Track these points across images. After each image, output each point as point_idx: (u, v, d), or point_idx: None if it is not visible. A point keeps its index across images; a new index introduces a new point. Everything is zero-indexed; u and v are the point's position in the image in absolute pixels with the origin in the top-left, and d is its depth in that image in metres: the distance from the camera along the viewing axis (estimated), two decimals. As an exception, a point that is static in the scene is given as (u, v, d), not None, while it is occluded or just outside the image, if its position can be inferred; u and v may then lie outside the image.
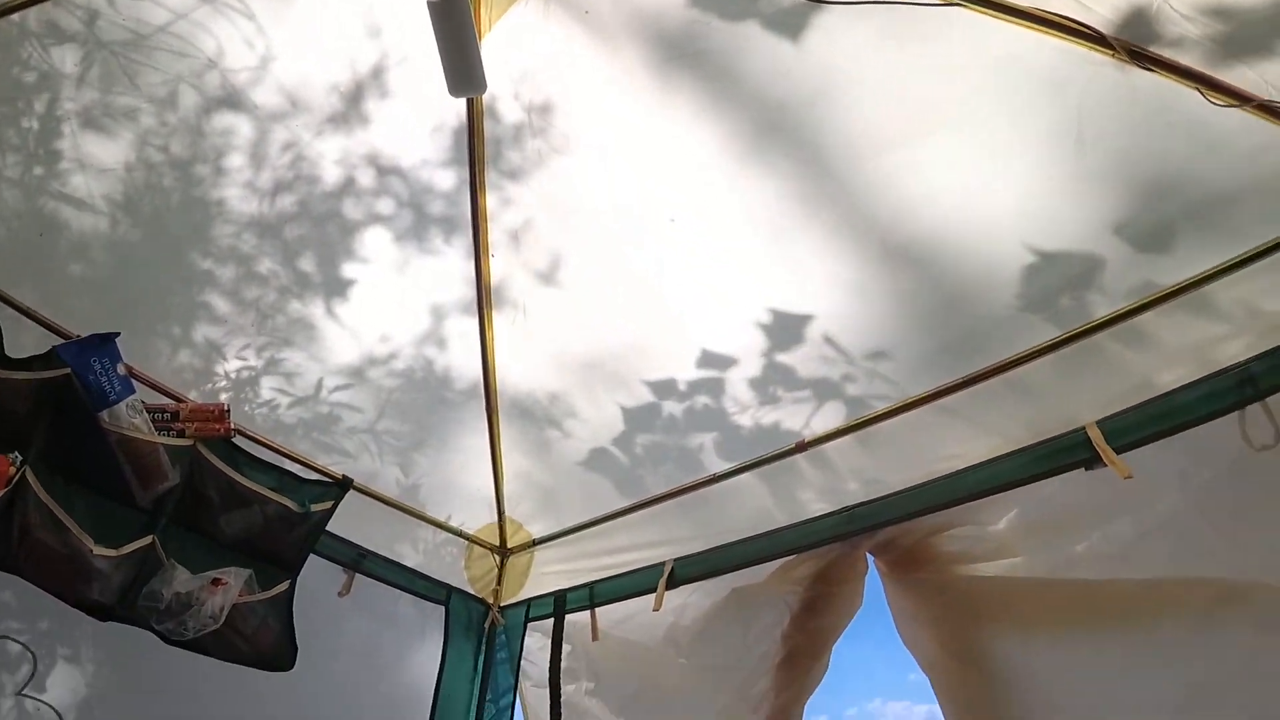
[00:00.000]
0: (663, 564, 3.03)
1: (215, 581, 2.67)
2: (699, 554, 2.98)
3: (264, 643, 2.82)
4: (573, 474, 3.28)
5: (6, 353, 2.49)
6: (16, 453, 2.43)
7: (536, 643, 3.44)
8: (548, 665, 3.27)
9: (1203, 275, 2.12)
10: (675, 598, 3.00)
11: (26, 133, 2.45)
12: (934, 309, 2.49)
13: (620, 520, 3.25)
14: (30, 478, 2.42)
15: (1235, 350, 2.12)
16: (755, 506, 2.87)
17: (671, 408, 2.92)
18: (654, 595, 2.97)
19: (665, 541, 3.10)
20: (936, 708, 2.53)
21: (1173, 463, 2.17)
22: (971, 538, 2.52)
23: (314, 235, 2.79)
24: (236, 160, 2.59)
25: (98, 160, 2.52)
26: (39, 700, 2.60)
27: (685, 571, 2.99)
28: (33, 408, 2.49)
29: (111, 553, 2.53)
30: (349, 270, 2.85)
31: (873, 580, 2.81)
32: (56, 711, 2.62)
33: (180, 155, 2.56)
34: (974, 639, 2.48)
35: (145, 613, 2.62)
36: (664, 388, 2.89)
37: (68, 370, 2.51)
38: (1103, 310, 2.25)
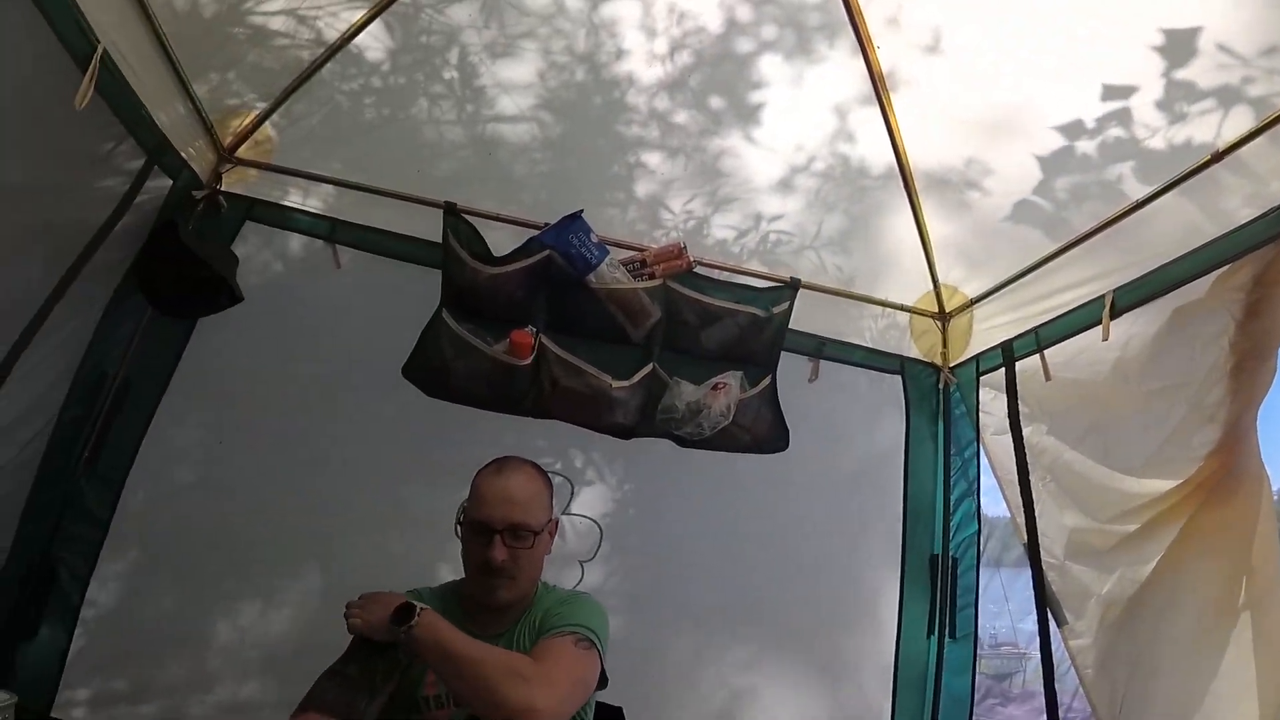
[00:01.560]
0: (1103, 296, 3.02)
1: (715, 387, 3.18)
2: (1136, 280, 2.96)
3: (761, 431, 3.35)
4: (998, 230, 3.33)
5: (493, 253, 3.09)
6: (531, 326, 3.03)
7: (988, 395, 3.64)
8: (1004, 414, 3.46)
9: None
10: (1118, 330, 2.99)
11: (451, 83, 3.00)
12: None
13: (1051, 264, 3.25)
14: (547, 341, 3.05)
15: None
16: (1183, 224, 2.75)
17: (1084, 146, 2.83)
18: (1099, 329, 3.02)
19: (1099, 276, 3.07)
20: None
21: None
22: None
23: (716, 78, 3.06)
24: (631, 38, 2.92)
25: (516, 80, 3.01)
26: (581, 516, 3.30)
27: (1126, 299, 2.94)
28: (529, 288, 3.10)
29: (625, 384, 3.14)
30: (753, 98, 3.09)
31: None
32: (595, 521, 3.33)
33: (583, 50, 2.96)
34: None
35: (664, 424, 3.21)
36: (1072, 129, 2.80)
37: (548, 252, 3.06)
38: None
